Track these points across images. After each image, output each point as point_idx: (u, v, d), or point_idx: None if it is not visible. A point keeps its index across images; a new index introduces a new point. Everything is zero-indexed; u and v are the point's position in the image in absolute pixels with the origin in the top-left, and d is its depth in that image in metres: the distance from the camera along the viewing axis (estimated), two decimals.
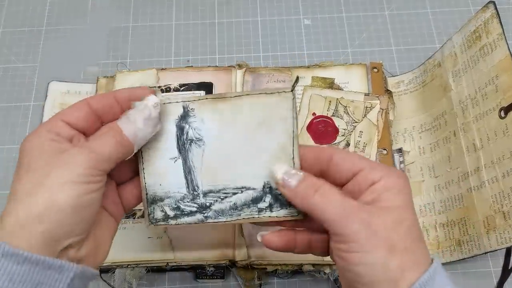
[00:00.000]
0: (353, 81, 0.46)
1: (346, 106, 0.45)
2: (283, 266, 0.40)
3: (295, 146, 0.28)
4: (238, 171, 0.29)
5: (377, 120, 0.44)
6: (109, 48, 0.53)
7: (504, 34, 0.37)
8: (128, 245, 0.41)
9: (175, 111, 0.29)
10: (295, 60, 0.51)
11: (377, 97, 0.45)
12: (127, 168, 0.30)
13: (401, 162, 0.45)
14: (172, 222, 0.30)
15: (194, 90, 0.47)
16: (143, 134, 0.28)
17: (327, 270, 0.40)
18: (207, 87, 0.47)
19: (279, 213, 0.29)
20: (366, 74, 0.47)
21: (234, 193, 0.29)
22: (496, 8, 0.38)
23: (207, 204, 0.30)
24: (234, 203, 0.29)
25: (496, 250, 0.36)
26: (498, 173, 0.36)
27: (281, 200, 0.29)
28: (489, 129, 0.37)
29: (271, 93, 0.28)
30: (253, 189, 0.29)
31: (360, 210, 0.25)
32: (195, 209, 0.30)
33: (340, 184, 0.28)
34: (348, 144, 0.44)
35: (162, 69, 0.48)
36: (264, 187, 0.29)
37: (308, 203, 0.26)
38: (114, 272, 0.40)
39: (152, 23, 0.54)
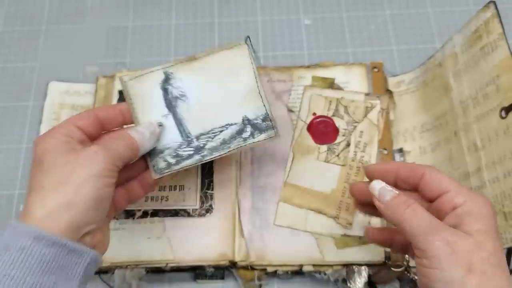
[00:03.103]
0: (354, 81, 0.46)
1: (346, 106, 0.45)
2: (283, 267, 0.40)
3: (259, 81, 0.36)
4: (219, 113, 0.35)
5: (378, 120, 0.44)
6: (108, 47, 0.53)
7: (505, 34, 0.37)
8: (128, 245, 0.41)
9: (157, 77, 0.35)
10: (295, 60, 0.51)
11: (378, 97, 0.45)
12: (122, 174, 0.32)
13: None
14: (175, 167, 0.34)
15: None
16: (147, 145, 0.33)
17: (328, 271, 0.40)
18: None
19: (260, 137, 0.36)
20: (367, 74, 0.47)
21: (221, 131, 0.35)
22: (496, 8, 0.38)
23: (201, 145, 0.35)
24: (223, 139, 0.35)
25: None
26: (499, 173, 0.36)
27: (259, 127, 0.36)
28: (490, 129, 0.37)
29: (231, 47, 0.36)
30: (235, 123, 0.35)
31: (444, 229, 0.27)
32: (192, 152, 0.35)
33: (428, 202, 0.30)
34: (348, 144, 0.44)
35: None
36: (243, 120, 0.35)
37: (398, 217, 0.29)
38: (113, 273, 0.40)
39: (151, 22, 0.54)
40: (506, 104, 0.36)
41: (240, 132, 0.35)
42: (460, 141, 0.40)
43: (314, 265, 0.40)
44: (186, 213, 0.42)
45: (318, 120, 0.45)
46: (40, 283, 0.25)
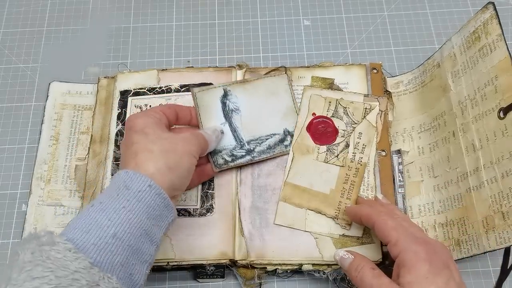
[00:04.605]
0: (353, 82, 0.46)
1: (345, 107, 0.45)
2: (282, 265, 0.41)
3: (295, 103, 0.45)
4: (266, 124, 0.44)
5: (376, 122, 0.44)
6: (109, 48, 0.53)
7: (503, 35, 0.37)
8: None
9: (219, 92, 0.45)
10: (295, 61, 0.52)
11: (377, 98, 0.45)
12: None
13: (399, 163, 0.45)
14: (231, 164, 0.43)
15: None
16: (213, 145, 0.41)
17: (327, 270, 0.40)
18: None
19: None
20: (366, 75, 0.47)
21: (267, 138, 0.44)
22: (495, 9, 0.38)
23: (251, 148, 0.43)
24: (269, 145, 0.44)
25: (495, 250, 0.36)
26: (497, 173, 0.36)
27: None
28: (488, 130, 0.37)
29: (275, 75, 0.46)
30: (278, 134, 0.44)
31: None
32: (244, 153, 0.43)
33: None
34: (347, 145, 0.44)
35: (163, 69, 0.48)
36: (284, 131, 0.44)
37: (353, 280, 0.35)
38: None
39: (152, 23, 0.54)
40: (504, 105, 0.36)
41: (282, 140, 0.44)
42: (458, 141, 0.41)
43: (313, 264, 0.40)
44: (187, 213, 0.42)
45: (318, 120, 0.45)
46: (144, 222, 0.30)
